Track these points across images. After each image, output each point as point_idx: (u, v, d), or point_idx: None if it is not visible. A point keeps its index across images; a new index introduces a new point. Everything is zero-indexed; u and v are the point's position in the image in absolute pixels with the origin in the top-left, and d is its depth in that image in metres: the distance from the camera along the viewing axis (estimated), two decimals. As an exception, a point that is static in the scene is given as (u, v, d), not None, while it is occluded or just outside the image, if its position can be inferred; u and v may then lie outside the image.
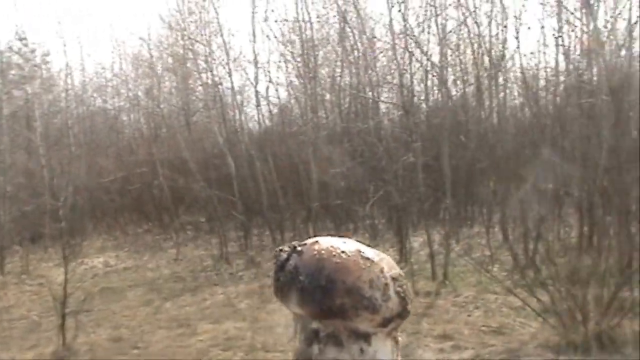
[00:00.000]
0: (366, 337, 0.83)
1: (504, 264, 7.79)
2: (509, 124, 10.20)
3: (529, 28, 12.29)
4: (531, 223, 8.66)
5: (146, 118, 14.65)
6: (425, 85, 10.22)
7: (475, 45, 9.71)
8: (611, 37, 8.40)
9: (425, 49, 9.62)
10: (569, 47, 9.38)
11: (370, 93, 10.41)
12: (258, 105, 11.69)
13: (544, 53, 10.93)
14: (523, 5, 9.60)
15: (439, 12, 9.31)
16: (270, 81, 11.41)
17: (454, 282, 7.46)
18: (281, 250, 0.90)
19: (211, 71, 11.54)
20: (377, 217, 10.65)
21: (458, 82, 10.77)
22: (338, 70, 11.30)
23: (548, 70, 10.27)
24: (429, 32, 9.74)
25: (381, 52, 10.48)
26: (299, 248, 0.88)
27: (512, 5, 11.92)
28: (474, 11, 9.34)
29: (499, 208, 9.32)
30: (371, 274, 0.83)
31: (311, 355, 0.84)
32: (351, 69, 10.90)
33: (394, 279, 0.85)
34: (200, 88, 12.88)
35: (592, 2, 8.16)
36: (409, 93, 9.39)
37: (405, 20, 9.06)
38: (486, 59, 9.88)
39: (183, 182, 11.44)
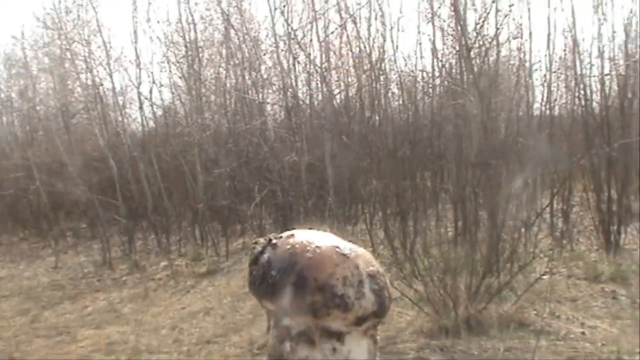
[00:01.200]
0: (339, 336, 0.80)
1: (385, 258, 8.10)
2: (389, 125, 10.60)
3: (403, 31, 12.94)
4: (410, 219, 9.08)
5: (20, 120, 13.94)
6: (309, 87, 10.44)
7: (356, 48, 10.03)
8: (479, 42, 8.97)
9: (308, 51, 9.84)
10: (443, 51, 9.93)
11: (255, 94, 10.49)
12: (141, 106, 11.46)
13: (421, 57, 11.48)
14: (400, 11, 10.06)
15: (319, 16, 9.55)
16: (153, 82, 11.22)
17: (338, 277, 7.65)
18: (256, 243, 0.88)
19: (91, 72, 11.18)
20: (264, 216, 10.74)
21: (341, 84, 11.08)
22: (223, 71, 11.29)
23: (425, 73, 10.80)
24: (311, 35, 9.97)
25: (265, 54, 10.59)
26: (274, 241, 0.85)
27: (388, 10, 12.43)
28: (354, 15, 9.65)
29: (380, 206, 9.67)
30: (345, 271, 0.80)
31: (283, 353, 0.82)
32: (236, 70, 10.92)
33: (370, 275, 0.81)
34: (79, 89, 12.43)
35: (461, 11, 8.68)
36: (293, 94, 9.56)
37: (288, 23, 9.24)
38: (366, 61, 10.23)
39: (62, 186, 10.97)
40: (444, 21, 9.37)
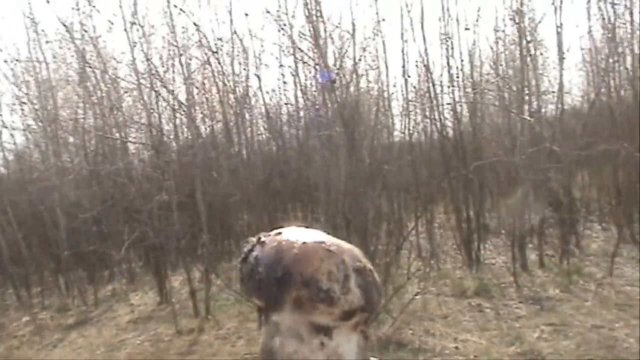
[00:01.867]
0: (327, 331, 0.81)
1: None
2: (257, 158, 10.66)
3: (267, 66, 13.08)
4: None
5: None
6: (174, 124, 10.26)
7: (220, 84, 10.02)
8: (340, 74, 9.30)
9: (171, 88, 9.68)
10: (306, 84, 10.17)
11: (117, 134, 10.12)
12: (-10, 151, 10.70)
13: (285, 90, 11.69)
14: (262, 46, 10.21)
15: (182, 52, 9.44)
16: (4, 125, 10.52)
17: (217, 316, 7.53)
18: (247, 241, 0.89)
19: None
20: (134, 259, 10.33)
21: (206, 119, 10.99)
22: (81, 111, 10.81)
23: (289, 106, 11.00)
24: (173, 71, 9.83)
25: (126, 92, 10.26)
26: (262, 239, 0.87)
27: (251, 45, 12.58)
28: (217, 51, 9.64)
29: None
30: (331, 266, 0.80)
31: (272, 348, 0.82)
32: (95, 110, 10.48)
33: (357, 271, 0.82)
34: None
35: (321, 44, 8.96)
36: (158, 132, 9.34)
37: (148, 59, 9.04)
38: (231, 96, 10.25)
39: None
40: (306, 54, 9.61)
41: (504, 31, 10.26)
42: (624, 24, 9.93)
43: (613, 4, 9.61)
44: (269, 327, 0.83)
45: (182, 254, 8.70)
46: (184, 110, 9.62)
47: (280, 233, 0.86)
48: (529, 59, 9.57)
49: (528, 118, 8.98)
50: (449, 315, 6.92)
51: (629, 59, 9.89)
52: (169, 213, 8.27)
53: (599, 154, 9.64)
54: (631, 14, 9.86)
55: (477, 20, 9.84)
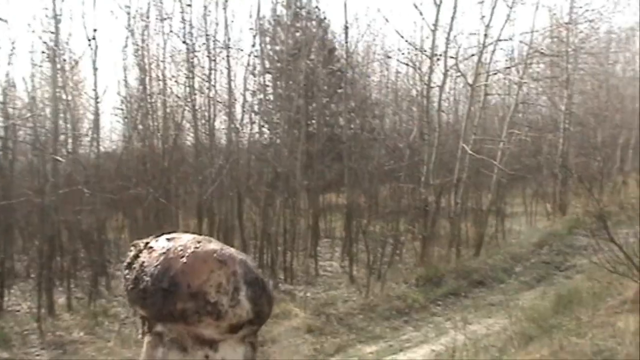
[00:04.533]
0: (212, 344, 0.78)
1: None
2: None
3: None
4: None
5: None
6: None
7: None
8: None
9: None
10: None
11: None
12: None
13: None
14: None
15: None
16: None
17: None
18: (134, 245, 0.83)
19: None
20: None
21: None
22: None
23: None
24: None
25: None
26: (150, 244, 0.81)
27: None
28: None
29: None
30: (220, 278, 0.77)
31: (155, 358, 0.79)
32: None
33: (248, 283, 0.79)
34: None
35: None
36: None
37: None
38: None
39: None
40: None
41: (40, 67, 9.94)
42: (157, 78, 10.81)
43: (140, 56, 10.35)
44: (153, 337, 0.80)
45: None
46: None
47: (172, 239, 0.82)
48: (65, 98, 9.51)
49: (59, 159, 8.89)
50: None
51: (160, 111, 10.74)
52: None
53: (131, 197, 10.17)
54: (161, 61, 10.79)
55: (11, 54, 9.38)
